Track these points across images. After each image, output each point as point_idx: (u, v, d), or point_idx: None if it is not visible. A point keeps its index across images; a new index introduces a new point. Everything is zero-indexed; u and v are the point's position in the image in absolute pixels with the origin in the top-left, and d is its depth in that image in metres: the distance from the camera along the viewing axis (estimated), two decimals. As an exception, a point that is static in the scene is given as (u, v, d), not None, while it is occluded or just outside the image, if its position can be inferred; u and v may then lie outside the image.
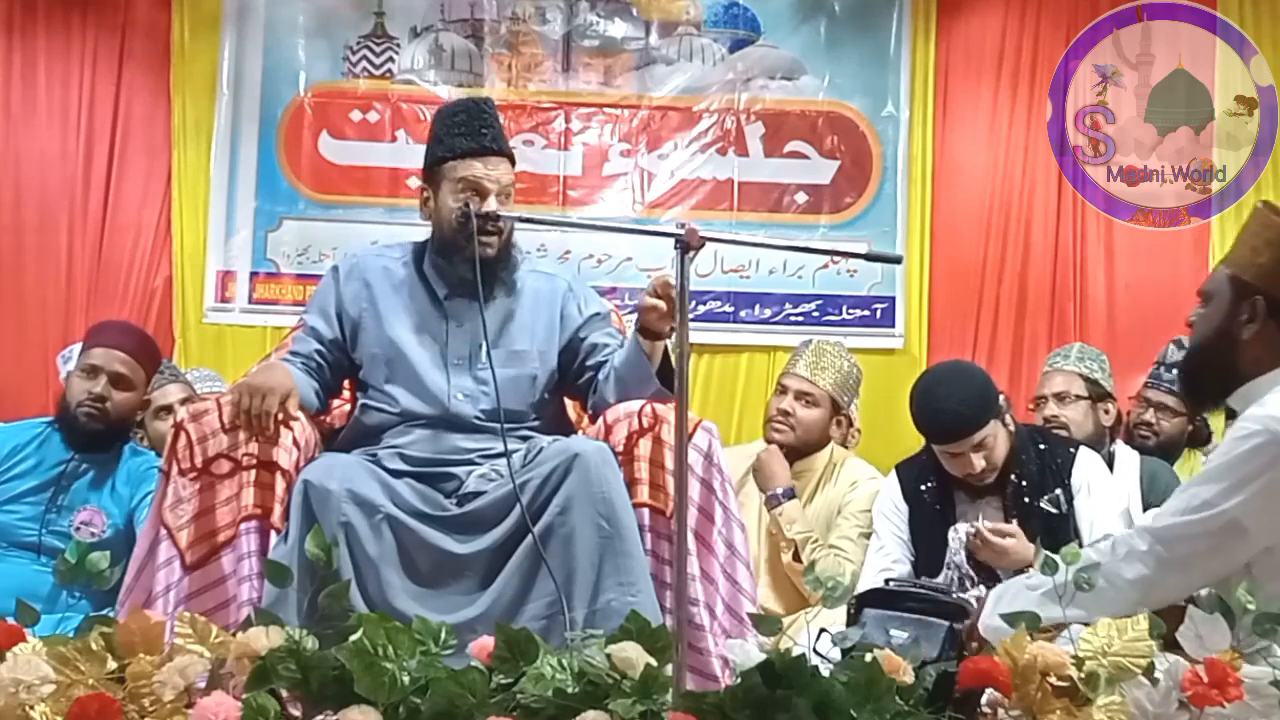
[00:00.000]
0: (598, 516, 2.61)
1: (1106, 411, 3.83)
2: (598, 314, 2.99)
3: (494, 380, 2.79)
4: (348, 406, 3.03)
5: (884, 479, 3.71)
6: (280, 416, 2.67)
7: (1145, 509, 3.39)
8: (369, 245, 4.78)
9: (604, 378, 2.88)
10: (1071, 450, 3.30)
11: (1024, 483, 3.21)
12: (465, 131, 2.87)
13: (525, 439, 2.80)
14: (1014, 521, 3.14)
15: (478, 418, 2.81)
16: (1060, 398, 3.82)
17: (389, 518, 2.63)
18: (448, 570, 2.65)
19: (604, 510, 2.62)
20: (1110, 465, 3.65)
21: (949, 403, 3.15)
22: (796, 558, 3.56)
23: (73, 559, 3.04)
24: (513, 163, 2.93)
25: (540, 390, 2.92)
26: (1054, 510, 3.16)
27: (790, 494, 3.64)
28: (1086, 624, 2.20)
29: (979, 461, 3.16)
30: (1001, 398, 3.28)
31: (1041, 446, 3.27)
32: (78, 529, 3.41)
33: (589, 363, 2.94)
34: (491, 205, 2.82)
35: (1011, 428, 3.25)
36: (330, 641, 2.06)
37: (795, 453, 3.75)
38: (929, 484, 3.29)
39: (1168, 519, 2.34)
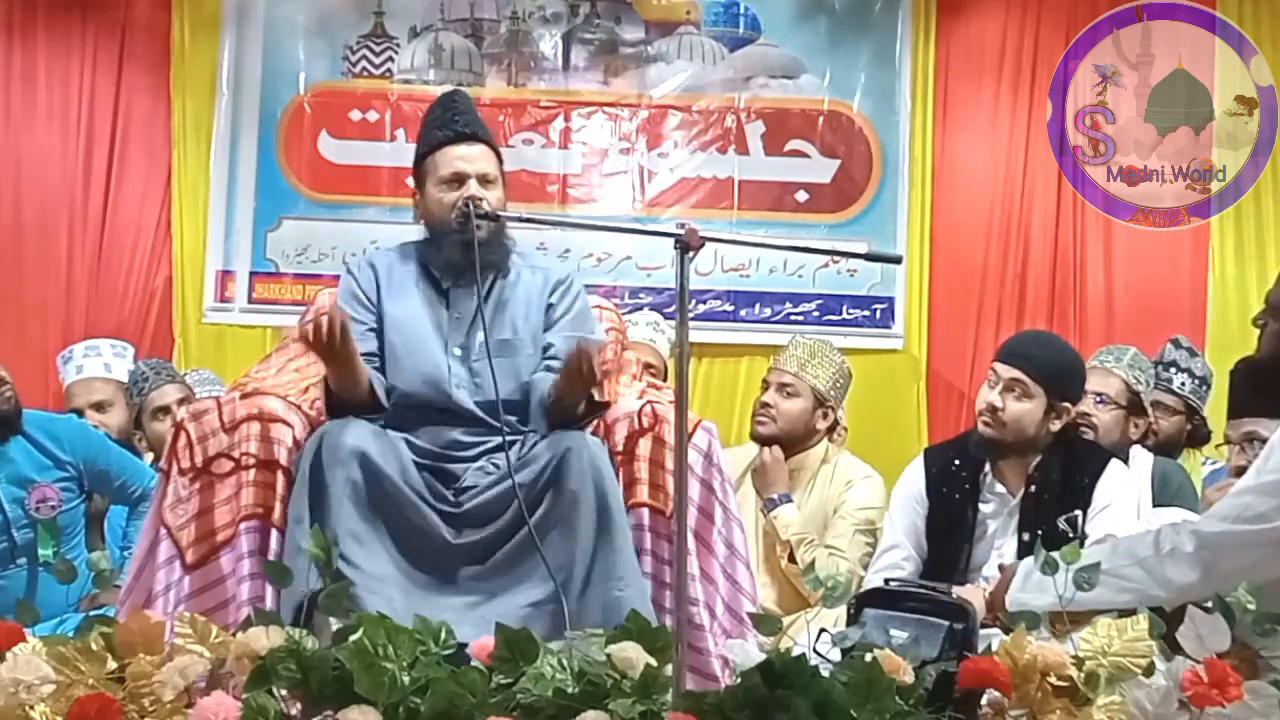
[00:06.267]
0: (590, 511, 2.61)
1: (1136, 425, 3.76)
2: (556, 309, 2.91)
3: (491, 370, 2.78)
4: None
5: (878, 475, 3.72)
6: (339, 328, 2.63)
7: (1155, 507, 3.39)
8: (369, 244, 4.88)
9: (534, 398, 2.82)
10: (1099, 464, 3.16)
11: (1044, 495, 3.11)
12: (439, 124, 2.89)
13: (521, 432, 2.79)
14: (1026, 536, 3.07)
15: (474, 408, 2.80)
16: (1100, 398, 3.70)
17: (393, 491, 2.63)
18: (441, 555, 2.65)
19: (596, 504, 2.62)
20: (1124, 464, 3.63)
21: (1033, 337, 3.48)
22: (792, 559, 3.56)
23: (47, 541, 3.10)
24: (494, 150, 2.91)
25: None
26: (1069, 531, 3.02)
27: (786, 499, 3.65)
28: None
29: (997, 399, 3.10)
30: (1070, 408, 3.17)
31: (1068, 458, 3.15)
32: (37, 509, 3.47)
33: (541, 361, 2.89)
34: (472, 190, 2.81)
35: (1054, 427, 3.13)
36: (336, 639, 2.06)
37: (781, 446, 3.75)
38: (956, 466, 3.21)
39: (1218, 525, 2.32)
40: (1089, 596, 2.25)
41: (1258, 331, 2.57)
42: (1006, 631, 2.33)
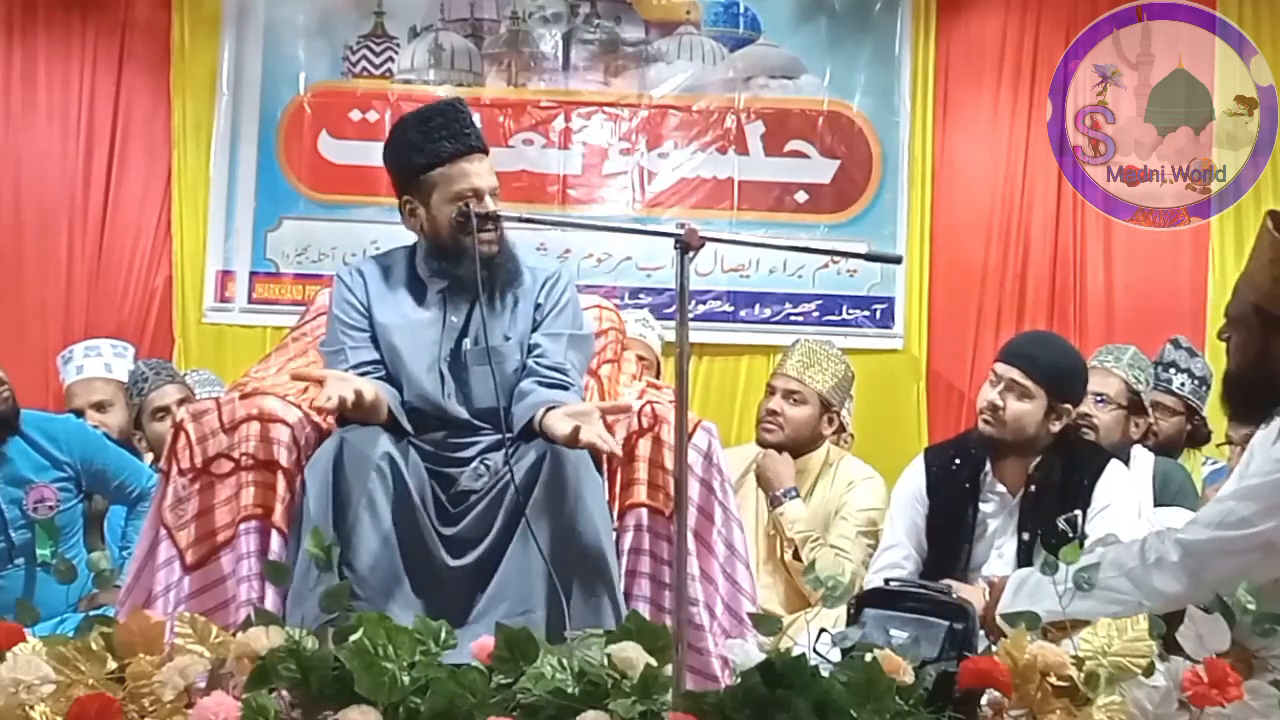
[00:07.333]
0: (568, 519, 2.60)
1: (1136, 425, 3.75)
2: (544, 307, 2.90)
3: (493, 375, 2.78)
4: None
5: (880, 476, 3.71)
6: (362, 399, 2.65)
7: (1156, 507, 3.38)
8: (369, 244, 4.88)
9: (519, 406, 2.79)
10: (1099, 464, 3.17)
11: (1044, 495, 3.11)
12: (447, 134, 2.80)
13: (513, 436, 2.78)
14: (1026, 536, 3.10)
15: (467, 415, 2.80)
16: (1100, 398, 3.69)
17: (407, 508, 2.63)
18: (442, 578, 2.65)
19: (574, 511, 2.61)
20: (1125, 464, 3.63)
21: (1034, 338, 3.53)
22: (796, 556, 3.56)
23: (45, 541, 3.25)
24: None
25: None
26: (1069, 531, 3.04)
27: (792, 494, 3.65)
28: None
29: (998, 399, 3.12)
30: (1071, 409, 3.18)
31: (1068, 459, 3.16)
32: (35, 509, 3.49)
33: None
34: (489, 205, 2.80)
35: (1054, 428, 3.15)
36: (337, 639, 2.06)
37: (788, 452, 3.75)
38: (956, 465, 3.22)
39: (1201, 532, 2.31)
40: (1078, 608, 2.25)
41: (1224, 345, 2.55)
42: (1001, 644, 2.33)
